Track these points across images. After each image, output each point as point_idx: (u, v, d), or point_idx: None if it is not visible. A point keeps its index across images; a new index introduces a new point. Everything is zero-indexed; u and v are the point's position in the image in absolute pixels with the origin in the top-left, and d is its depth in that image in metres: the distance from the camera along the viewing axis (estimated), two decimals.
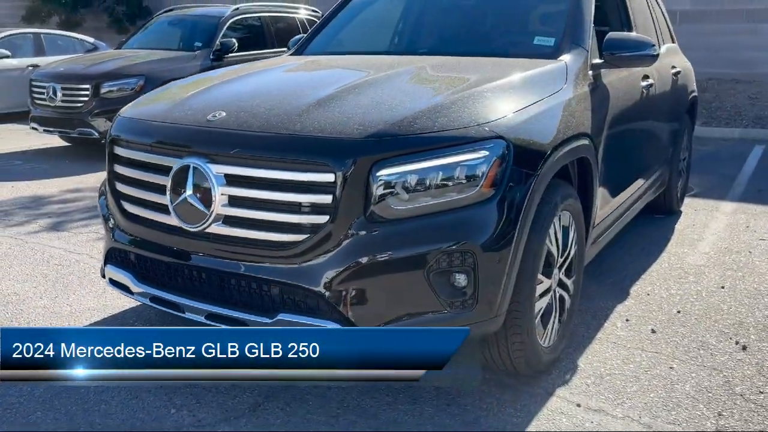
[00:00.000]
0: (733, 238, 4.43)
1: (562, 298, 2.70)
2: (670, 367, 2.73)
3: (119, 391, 2.48)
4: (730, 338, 2.99)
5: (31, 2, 15.44)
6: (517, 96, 2.46)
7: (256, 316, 2.19)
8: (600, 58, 3.08)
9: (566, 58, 2.94)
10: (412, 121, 2.15)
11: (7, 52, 10.94)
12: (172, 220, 2.29)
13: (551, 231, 2.47)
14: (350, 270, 2.07)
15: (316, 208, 2.09)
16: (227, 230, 2.20)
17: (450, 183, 2.11)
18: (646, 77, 3.72)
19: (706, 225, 4.78)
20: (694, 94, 4.96)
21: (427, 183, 2.10)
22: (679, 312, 3.26)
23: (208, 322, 2.28)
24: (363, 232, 2.07)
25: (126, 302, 3.24)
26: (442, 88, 2.45)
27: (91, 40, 12.33)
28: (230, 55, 7.89)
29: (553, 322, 2.62)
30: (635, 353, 2.84)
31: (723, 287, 3.58)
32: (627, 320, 3.17)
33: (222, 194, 2.18)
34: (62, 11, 15.14)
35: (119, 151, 2.51)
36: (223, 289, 2.26)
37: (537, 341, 2.47)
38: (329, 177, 2.06)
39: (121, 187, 2.51)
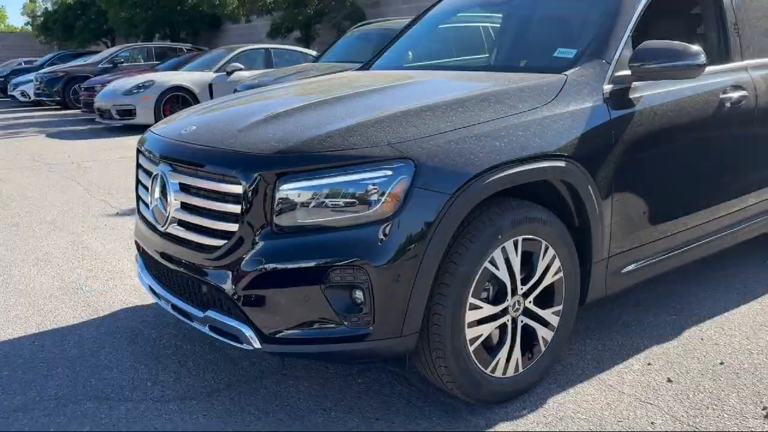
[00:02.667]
0: None
1: (528, 329, 2.52)
2: (652, 422, 2.40)
3: (122, 348, 2.92)
4: (761, 402, 2.51)
5: (273, 21, 17.53)
6: (465, 114, 2.37)
7: (196, 310, 2.45)
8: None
9: (574, 71, 2.72)
10: (325, 138, 2.23)
11: (241, 66, 12.64)
12: (151, 219, 2.65)
13: (498, 257, 2.35)
14: (254, 276, 2.22)
15: (231, 217, 2.29)
16: (179, 231, 2.49)
17: (351, 200, 2.15)
18: (736, 87, 3.23)
19: None
20: None
21: (329, 199, 2.16)
22: (722, 363, 2.81)
23: (173, 312, 2.60)
24: (266, 242, 2.21)
25: None
26: (392, 106, 2.46)
27: (314, 52, 13.66)
28: None
29: (510, 353, 2.47)
30: (626, 401, 2.54)
31: None
32: (649, 364, 2.82)
33: (175, 199, 2.47)
34: (300, 27, 16.93)
35: (140, 159, 2.94)
36: (180, 284, 2.55)
37: (474, 369, 2.36)
38: (238, 188, 2.24)
39: (139, 190, 2.95)
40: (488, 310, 2.39)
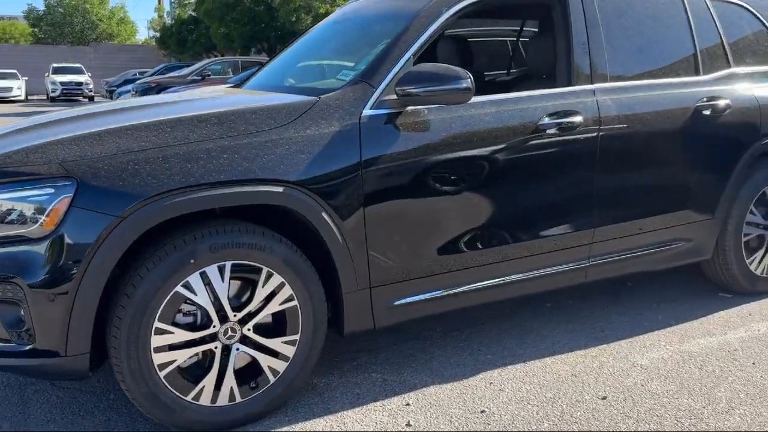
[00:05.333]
0: (750, 344, 3.17)
1: (249, 358, 2.45)
2: None
3: None
4: None
5: None
6: (170, 133, 2.34)
7: None
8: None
9: (331, 95, 2.63)
10: (11, 155, 2.26)
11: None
12: None
13: (195, 281, 2.30)
14: None
15: None
16: None
17: (16, 216, 2.19)
18: (570, 113, 2.96)
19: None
20: None
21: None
22: (483, 412, 2.58)
23: None
24: None
25: None
26: (114, 123, 2.46)
27: None
28: None
29: (219, 382, 2.40)
30: None
31: (605, 398, 2.67)
32: (407, 404, 2.64)
33: None
34: None
35: None
36: None
37: (166, 394, 2.32)
38: None
39: None
40: (183, 335, 2.34)
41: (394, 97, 2.64)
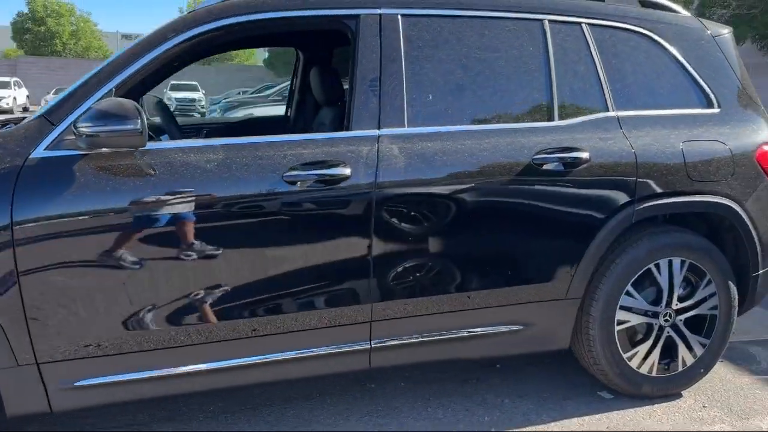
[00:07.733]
0: None
1: None
2: None
3: None
4: None
5: None
6: None
7: None
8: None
9: (12, 129, 2.29)
10: None
11: None
12: None
13: None
14: None
15: None
16: None
17: None
18: (334, 164, 2.42)
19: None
20: (650, 202, 2.79)
21: None
22: None
23: None
24: None
25: None
26: None
27: None
28: None
29: None
30: None
31: None
32: None
33: None
34: None
35: None
36: None
37: None
38: None
39: None
40: None
41: (73, 137, 2.23)
